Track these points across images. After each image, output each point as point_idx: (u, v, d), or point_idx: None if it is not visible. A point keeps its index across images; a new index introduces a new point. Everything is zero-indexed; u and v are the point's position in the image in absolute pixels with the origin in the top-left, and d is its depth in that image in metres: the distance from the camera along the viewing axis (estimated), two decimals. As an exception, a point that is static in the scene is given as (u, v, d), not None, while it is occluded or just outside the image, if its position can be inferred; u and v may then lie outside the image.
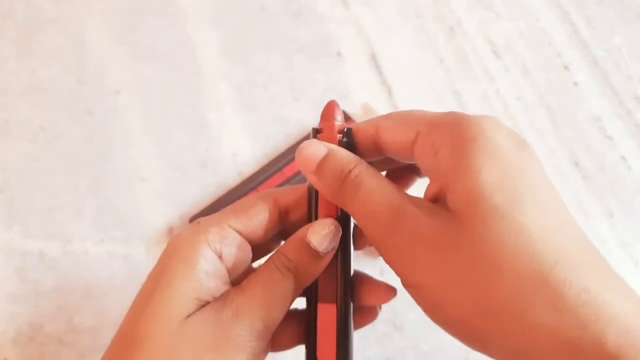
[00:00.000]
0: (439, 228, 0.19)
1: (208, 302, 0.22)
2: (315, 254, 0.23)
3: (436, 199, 0.21)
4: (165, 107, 0.45)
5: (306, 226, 0.23)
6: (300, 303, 0.25)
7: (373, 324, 0.26)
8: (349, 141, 0.24)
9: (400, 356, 0.37)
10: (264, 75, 0.46)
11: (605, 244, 0.41)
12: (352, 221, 0.24)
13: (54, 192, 0.41)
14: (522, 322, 0.18)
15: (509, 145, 0.20)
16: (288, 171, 0.41)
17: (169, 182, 0.42)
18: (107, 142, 0.43)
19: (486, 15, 0.49)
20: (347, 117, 0.41)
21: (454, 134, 0.20)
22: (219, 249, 0.22)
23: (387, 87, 0.46)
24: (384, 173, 0.26)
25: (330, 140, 0.24)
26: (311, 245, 0.23)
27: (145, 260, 0.39)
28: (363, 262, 0.40)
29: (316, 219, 0.24)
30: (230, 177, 0.42)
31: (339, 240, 0.23)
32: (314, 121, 0.44)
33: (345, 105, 0.26)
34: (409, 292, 0.21)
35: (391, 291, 0.24)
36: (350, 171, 0.22)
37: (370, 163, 0.23)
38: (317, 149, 0.23)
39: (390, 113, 0.24)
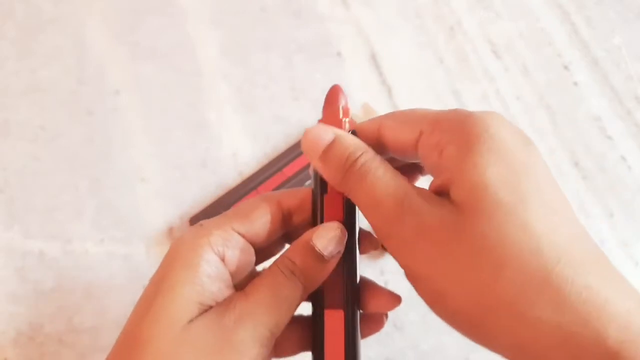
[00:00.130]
0: (444, 221, 0.19)
1: (211, 307, 0.21)
2: (321, 258, 0.22)
3: (440, 193, 0.20)
4: (165, 107, 0.45)
5: (311, 230, 0.23)
6: (304, 309, 0.24)
7: (373, 324, 0.26)
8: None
9: (400, 356, 0.37)
10: (264, 75, 0.46)
11: (605, 244, 0.41)
12: (358, 225, 0.24)
13: (54, 192, 0.41)
14: (523, 318, 0.18)
15: (514, 142, 0.20)
16: (288, 171, 0.41)
17: (169, 182, 0.42)
18: (107, 142, 0.43)
19: (486, 15, 0.49)
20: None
21: (458, 131, 0.20)
22: (222, 252, 0.22)
23: (387, 87, 0.46)
24: None
25: (334, 125, 0.23)
26: (316, 249, 0.22)
27: (145, 260, 0.39)
28: (363, 263, 0.39)
29: (321, 222, 0.24)
30: (230, 177, 0.42)
31: (344, 244, 0.23)
32: (314, 121, 0.44)
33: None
34: (412, 283, 0.21)
35: (396, 299, 0.24)
36: (357, 159, 0.21)
37: None
38: (324, 133, 0.22)
39: (392, 112, 0.24)
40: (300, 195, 0.25)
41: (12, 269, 0.39)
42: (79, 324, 0.37)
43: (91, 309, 0.38)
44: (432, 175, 0.22)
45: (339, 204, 0.24)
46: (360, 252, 0.24)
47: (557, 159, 0.44)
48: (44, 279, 0.38)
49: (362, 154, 0.22)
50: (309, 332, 0.24)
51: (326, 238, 0.22)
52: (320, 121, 0.24)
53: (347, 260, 0.23)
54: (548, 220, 0.19)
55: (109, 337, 0.22)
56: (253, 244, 0.24)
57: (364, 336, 0.25)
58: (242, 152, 0.43)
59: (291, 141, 0.43)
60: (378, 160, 0.22)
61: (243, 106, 0.45)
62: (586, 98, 0.46)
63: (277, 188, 0.41)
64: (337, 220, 0.23)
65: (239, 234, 0.23)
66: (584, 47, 0.48)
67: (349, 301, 0.23)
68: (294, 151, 0.42)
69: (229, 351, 0.20)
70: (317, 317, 0.23)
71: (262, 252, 0.25)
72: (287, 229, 0.25)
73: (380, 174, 0.21)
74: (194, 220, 0.40)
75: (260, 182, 0.41)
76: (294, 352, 0.25)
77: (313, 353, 0.23)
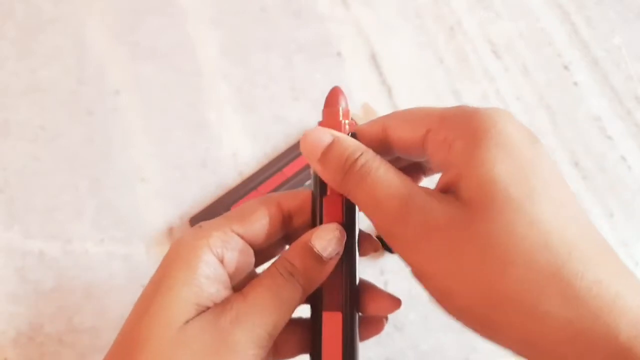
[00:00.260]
0: (451, 217, 0.19)
1: (209, 307, 0.21)
2: (319, 260, 0.22)
3: (448, 190, 0.20)
4: (165, 107, 0.45)
5: (310, 231, 0.23)
6: (304, 311, 0.24)
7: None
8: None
9: (400, 356, 0.37)
10: (264, 75, 0.46)
11: (605, 244, 0.41)
12: (358, 227, 0.24)
13: (54, 192, 0.41)
14: (533, 313, 0.18)
15: (521, 138, 0.20)
16: (288, 171, 0.41)
17: (169, 182, 0.42)
18: (107, 142, 0.43)
19: (486, 15, 0.49)
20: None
21: (465, 127, 0.20)
22: (221, 254, 0.22)
23: (387, 87, 0.46)
24: None
25: (333, 126, 0.23)
26: (315, 250, 0.22)
27: (145, 260, 0.39)
28: (363, 262, 0.39)
29: (321, 224, 0.23)
30: (230, 177, 0.42)
31: (343, 245, 0.23)
32: (314, 121, 0.44)
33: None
34: (419, 281, 0.21)
35: (396, 302, 0.24)
36: (356, 160, 0.21)
37: None
38: (323, 135, 0.22)
39: (396, 111, 0.24)
40: (300, 197, 0.25)
41: (12, 269, 0.39)
42: (79, 324, 0.37)
43: (91, 309, 0.38)
44: (440, 171, 0.22)
45: (339, 205, 0.24)
46: (360, 254, 0.24)
47: (557, 159, 0.44)
48: (44, 279, 0.38)
49: (361, 154, 0.22)
50: (309, 335, 0.24)
51: (325, 239, 0.22)
52: (320, 123, 0.24)
53: (347, 263, 0.23)
54: (557, 216, 0.19)
55: (109, 337, 0.22)
56: (252, 246, 0.24)
57: (363, 339, 0.25)
58: (242, 152, 0.43)
59: (291, 141, 0.43)
60: (378, 160, 0.21)
61: (243, 106, 0.45)
62: (586, 98, 0.46)
63: (277, 188, 0.41)
64: (337, 222, 0.23)
65: (239, 235, 0.23)
66: (584, 47, 0.48)
67: (348, 303, 0.23)
68: (294, 151, 0.42)
69: (224, 352, 0.20)
70: (315, 319, 0.23)
71: (262, 254, 0.25)
72: (288, 231, 0.25)
73: (381, 174, 0.21)
74: (194, 220, 0.40)
75: (260, 182, 0.41)
76: (293, 354, 0.25)
77: (311, 355, 0.23)
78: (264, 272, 0.23)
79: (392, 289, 0.25)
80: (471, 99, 0.46)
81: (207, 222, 0.23)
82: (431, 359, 0.37)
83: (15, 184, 0.41)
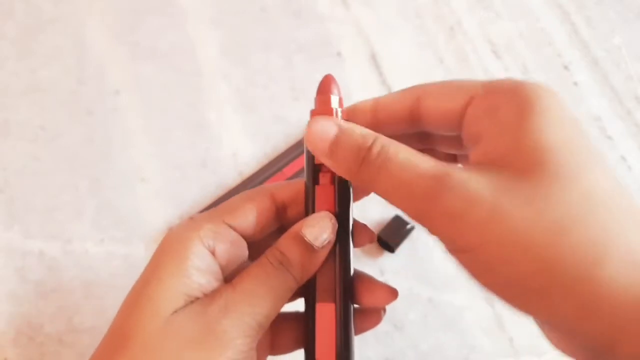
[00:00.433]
0: (498, 184, 0.18)
1: (198, 298, 0.21)
2: (310, 249, 0.22)
3: (486, 160, 0.20)
4: (165, 107, 0.45)
5: (301, 220, 0.23)
6: (300, 306, 0.24)
7: (373, 323, 0.26)
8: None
9: (400, 356, 0.37)
10: (264, 75, 0.46)
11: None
12: (352, 217, 0.24)
13: (54, 192, 0.41)
14: (593, 278, 0.17)
15: (567, 112, 0.20)
16: (288, 171, 0.41)
17: (169, 182, 0.42)
18: (107, 142, 0.43)
19: (486, 15, 0.49)
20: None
21: (514, 95, 0.20)
22: (212, 245, 0.22)
23: (387, 87, 0.46)
24: None
25: (326, 113, 0.23)
26: (306, 239, 0.22)
27: (145, 260, 0.39)
28: (363, 261, 0.40)
29: (313, 213, 0.23)
30: (230, 177, 0.42)
31: (334, 234, 0.23)
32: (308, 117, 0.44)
33: (345, 105, 0.26)
34: (458, 257, 0.20)
35: (392, 293, 0.24)
36: (369, 148, 0.20)
37: None
38: (326, 127, 0.21)
39: (428, 83, 0.23)
40: (294, 187, 0.24)
41: (12, 269, 0.39)
42: (79, 324, 0.37)
43: (91, 309, 0.38)
44: (475, 143, 0.21)
45: (331, 194, 0.23)
46: (355, 245, 0.24)
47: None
48: (44, 279, 0.38)
49: (374, 140, 0.21)
50: (304, 328, 0.24)
51: (315, 228, 0.22)
52: (312, 111, 0.24)
53: (340, 253, 0.23)
54: (606, 185, 0.19)
55: (109, 337, 0.22)
56: (246, 238, 0.23)
57: (361, 331, 0.25)
58: (242, 152, 0.43)
59: (291, 141, 0.43)
60: (395, 143, 0.20)
61: (243, 106, 0.45)
62: (586, 98, 0.46)
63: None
64: (329, 211, 0.23)
65: (231, 227, 0.23)
66: (584, 47, 0.48)
67: (342, 294, 0.23)
68: (294, 151, 0.42)
69: (212, 341, 0.20)
70: (308, 310, 0.23)
71: (256, 246, 0.24)
72: (282, 222, 0.25)
73: (404, 156, 0.20)
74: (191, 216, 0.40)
75: (260, 182, 0.41)
76: (290, 348, 0.25)
77: (305, 348, 0.23)
78: (255, 262, 0.23)
79: (392, 289, 0.25)
80: (471, 99, 0.46)
81: (199, 214, 0.23)
82: (431, 358, 0.37)
83: (15, 184, 0.41)
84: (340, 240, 0.23)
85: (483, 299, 0.38)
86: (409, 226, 0.39)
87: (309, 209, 0.23)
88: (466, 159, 0.24)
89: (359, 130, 0.21)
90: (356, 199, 0.25)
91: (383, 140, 0.21)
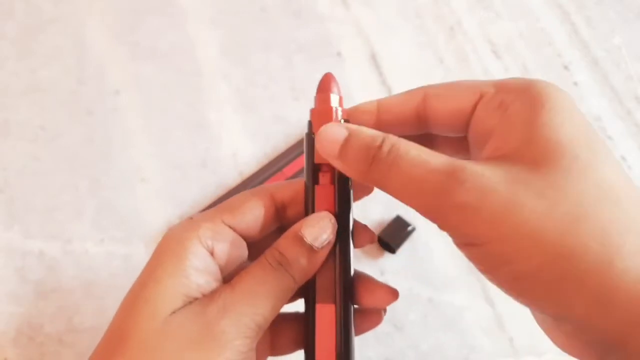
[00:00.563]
0: (512, 177, 0.19)
1: (197, 299, 0.21)
2: (310, 249, 0.22)
3: (497, 156, 0.20)
4: (165, 107, 0.45)
5: (301, 220, 0.23)
6: (300, 306, 0.24)
7: (373, 324, 0.26)
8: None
9: (400, 356, 0.37)
10: (264, 75, 0.46)
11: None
12: (352, 217, 0.24)
13: (54, 192, 0.41)
14: (605, 268, 0.17)
15: (576, 108, 0.20)
16: (288, 171, 0.41)
17: (169, 182, 0.42)
18: (107, 142, 0.43)
19: (486, 15, 0.49)
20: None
21: (524, 92, 0.20)
22: (211, 245, 0.22)
23: (387, 87, 0.46)
24: None
25: (326, 113, 0.23)
26: (305, 239, 0.22)
27: (145, 260, 0.39)
28: (363, 262, 0.40)
29: (313, 213, 0.23)
30: (230, 177, 0.42)
31: (334, 234, 0.23)
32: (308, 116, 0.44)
33: (345, 105, 0.26)
34: (469, 251, 0.20)
35: (393, 294, 0.24)
36: (379, 147, 0.20)
37: None
38: (337, 131, 0.22)
39: (435, 84, 0.23)
40: (293, 187, 0.24)
41: (12, 269, 0.39)
42: (79, 324, 0.37)
43: (91, 309, 0.38)
44: (483, 142, 0.21)
45: (331, 194, 0.23)
46: (355, 246, 0.24)
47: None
48: (44, 279, 0.38)
49: (383, 139, 0.21)
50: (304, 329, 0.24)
51: (315, 228, 0.22)
52: (312, 110, 0.24)
53: (340, 253, 0.23)
54: (619, 176, 0.19)
55: (109, 337, 0.22)
56: (245, 238, 0.23)
57: (361, 331, 0.25)
58: (242, 152, 0.43)
59: (291, 141, 0.43)
60: (405, 142, 0.21)
61: (243, 106, 0.45)
62: (586, 98, 0.46)
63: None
64: (329, 211, 0.23)
65: (230, 227, 0.23)
66: (584, 47, 0.48)
67: (342, 295, 0.23)
68: (294, 151, 0.42)
69: (210, 341, 0.20)
70: (308, 311, 0.23)
71: (256, 246, 0.24)
72: (282, 222, 0.25)
73: (415, 154, 0.20)
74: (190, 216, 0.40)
75: (260, 182, 0.41)
76: (290, 349, 0.25)
77: (305, 349, 0.23)
78: (254, 262, 0.23)
79: (392, 289, 0.25)
80: (471, 99, 0.46)
81: (198, 214, 0.23)
82: (431, 359, 0.37)
83: (15, 184, 0.41)
84: (340, 240, 0.23)
85: (483, 299, 0.38)
86: (410, 227, 0.39)
87: (308, 209, 0.23)
88: None
89: (368, 131, 0.21)
90: (356, 198, 0.24)
91: (392, 138, 0.21)
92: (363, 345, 0.37)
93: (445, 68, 0.47)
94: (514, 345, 0.37)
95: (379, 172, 0.20)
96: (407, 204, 0.20)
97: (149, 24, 0.48)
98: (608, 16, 0.49)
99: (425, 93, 0.23)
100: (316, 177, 0.24)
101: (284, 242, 0.23)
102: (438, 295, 0.39)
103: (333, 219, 0.23)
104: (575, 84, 0.47)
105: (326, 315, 0.22)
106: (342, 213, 0.23)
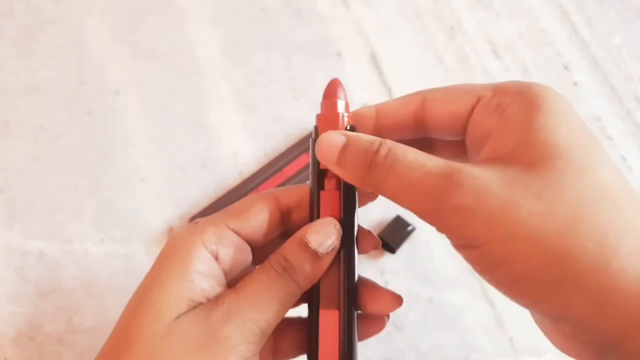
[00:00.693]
0: (510, 179, 0.19)
1: (201, 303, 0.21)
2: (314, 255, 0.22)
3: (494, 158, 0.20)
4: (165, 107, 0.45)
5: (306, 226, 0.23)
6: (303, 311, 0.24)
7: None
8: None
9: (400, 356, 0.37)
10: (264, 75, 0.46)
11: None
12: (357, 223, 0.24)
13: (54, 192, 0.41)
14: (603, 268, 0.17)
15: (573, 110, 0.20)
16: (288, 171, 0.41)
17: (169, 182, 0.42)
18: (107, 142, 0.43)
19: (486, 15, 0.49)
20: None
21: (521, 94, 0.20)
22: (215, 250, 0.22)
23: (387, 87, 0.46)
24: None
25: (332, 119, 0.23)
26: (310, 245, 0.22)
27: (145, 260, 0.39)
28: (363, 262, 0.40)
29: (318, 218, 0.23)
30: (230, 177, 0.42)
31: (339, 240, 0.23)
32: (314, 121, 0.44)
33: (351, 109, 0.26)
34: (466, 253, 0.20)
35: (397, 300, 0.24)
36: (376, 151, 0.21)
37: None
38: (335, 138, 0.22)
39: (432, 88, 0.23)
40: (299, 192, 0.24)
41: (12, 269, 0.39)
42: (79, 324, 0.37)
43: (91, 309, 0.38)
44: (483, 143, 0.21)
45: (336, 200, 0.23)
46: (360, 252, 0.24)
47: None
48: (44, 279, 0.38)
49: (380, 144, 0.21)
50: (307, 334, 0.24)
51: (320, 234, 0.22)
52: (318, 115, 0.24)
53: (345, 259, 0.23)
54: (615, 178, 0.19)
55: (109, 337, 0.22)
56: (250, 242, 0.23)
57: (364, 337, 0.25)
58: (242, 152, 0.43)
59: (291, 141, 0.43)
60: (402, 146, 0.21)
61: (243, 106, 0.45)
62: (586, 98, 0.46)
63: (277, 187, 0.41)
64: (334, 217, 0.23)
65: (235, 231, 0.23)
66: (584, 47, 0.48)
67: (345, 301, 0.23)
68: (294, 151, 0.42)
69: (214, 346, 0.20)
70: (312, 317, 0.23)
71: (261, 250, 0.24)
72: (287, 227, 0.25)
73: (412, 157, 0.20)
74: (194, 220, 0.40)
75: (260, 182, 0.41)
76: (293, 354, 0.25)
77: (307, 354, 0.23)
78: (258, 267, 0.23)
79: (392, 289, 0.25)
80: (471, 99, 0.46)
81: (203, 218, 0.23)
82: (431, 359, 0.37)
83: (15, 184, 0.41)
84: (344, 246, 0.23)
85: (483, 299, 0.39)
86: (409, 227, 0.39)
87: (313, 214, 0.23)
88: None
89: (365, 137, 0.22)
90: (360, 204, 0.24)
91: (389, 143, 0.21)
92: (363, 345, 0.37)
93: (445, 68, 0.47)
94: (513, 345, 0.37)
95: (377, 176, 0.21)
96: (405, 207, 0.21)
97: (149, 24, 0.48)
98: (608, 16, 0.49)
99: (424, 97, 0.23)
100: (322, 182, 0.24)
101: (288, 248, 0.23)
102: (438, 295, 0.39)
103: (338, 225, 0.23)
104: (575, 84, 0.47)
105: (330, 321, 0.23)
106: (347, 219, 0.23)
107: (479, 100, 0.21)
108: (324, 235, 0.22)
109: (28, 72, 0.45)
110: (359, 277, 0.24)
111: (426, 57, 0.47)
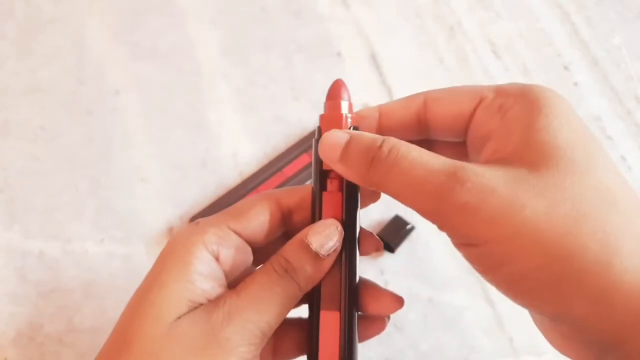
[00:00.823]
0: (512, 178, 0.19)
1: (202, 304, 0.21)
2: (316, 257, 0.22)
3: (495, 158, 0.20)
4: (165, 107, 0.45)
5: (307, 227, 0.23)
6: (304, 312, 0.24)
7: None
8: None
9: (400, 356, 0.37)
10: (264, 75, 0.46)
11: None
12: (359, 224, 0.24)
13: (54, 192, 0.41)
14: (605, 268, 0.17)
15: (574, 112, 0.20)
16: (288, 171, 0.41)
17: (169, 182, 0.42)
18: (107, 142, 0.43)
19: (486, 15, 0.49)
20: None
21: (523, 96, 0.21)
22: (216, 251, 0.22)
23: (387, 87, 0.46)
24: None
25: (335, 119, 0.23)
26: (311, 247, 0.22)
27: (145, 260, 0.39)
28: (362, 262, 0.39)
29: (320, 219, 0.23)
30: (230, 177, 0.42)
31: (341, 242, 0.23)
32: (314, 121, 0.44)
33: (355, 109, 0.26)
34: (467, 252, 0.20)
35: (398, 301, 0.24)
36: (379, 147, 0.21)
37: None
38: (338, 135, 0.22)
39: (435, 89, 0.23)
40: (300, 193, 0.24)
41: (12, 269, 0.39)
42: (79, 324, 0.37)
43: (91, 309, 0.38)
44: (485, 144, 0.21)
45: (338, 201, 0.23)
46: (361, 253, 0.24)
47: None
48: (44, 279, 0.38)
49: (382, 141, 0.21)
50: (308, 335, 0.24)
51: (321, 235, 0.22)
52: (322, 116, 0.24)
53: (346, 260, 0.23)
54: (616, 179, 0.19)
55: (109, 337, 0.22)
56: (251, 243, 0.23)
57: (364, 338, 0.25)
58: (242, 152, 0.43)
59: (291, 141, 0.43)
60: (405, 143, 0.21)
61: (243, 106, 0.45)
62: (586, 98, 0.46)
63: (277, 188, 0.41)
64: (336, 218, 0.23)
65: (236, 232, 0.23)
66: (584, 47, 0.48)
67: (346, 303, 0.23)
68: (294, 151, 0.42)
69: (214, 348, 0.20)
70: (312, 318, 0.23)
71: (262, 251, 0.24)
72: (288, 228, 0.25)
73: (415, 155, 0.20)
74: (194, 220, 0.40)
75: (260, 182, 0.41)
76: (293, 355, 0.25)
77: (307, 355, 0.23)
78: (259, 269, 0.23)
79: (392, 289, 0.25)
80: (471, 99, 0.46)
81: (204, 218, 0.23)
82: (431, 358, 0.37)
83: (15, 184, 0.41)
84: (346, 248, 0.23)
85: (483, 298, 0.39)
86: (409, 226, 0.39)
87: (315, 215, 0.23)
88: None
89: (368, 134, 0.22)
90: (362, 205, 0.24)
91: (392, 140, 0.21)
92: (363, 345, 0.37)
93: (445, 68, 0.47)
94: (513, 345, 0.37)
95: (380, 173, 0.20)
96: (407, 205, 0.20)
97: (149, 24, 0.48)
98: (608, 16, 0.49)
99: (426, 98, 0.23)
100: (324, 183, 0.24)
101: (289, 249, 0.22)
102: (438, 295, 0.39)
103: (340, 227, 0.23)
104: (575, 84, 0.47)
105: (330, 322, 0.22)
106: (349, 220, 0.23)
107: (481, 101, 0.22)
108: (325, 236, 0.22)
109: (28, 72, 0.45)
110: (360, 278, 0.24)
111: (426, 57, 0.47)
